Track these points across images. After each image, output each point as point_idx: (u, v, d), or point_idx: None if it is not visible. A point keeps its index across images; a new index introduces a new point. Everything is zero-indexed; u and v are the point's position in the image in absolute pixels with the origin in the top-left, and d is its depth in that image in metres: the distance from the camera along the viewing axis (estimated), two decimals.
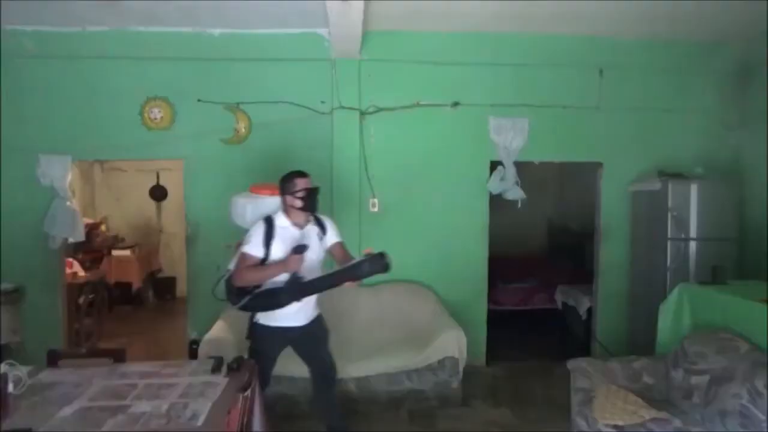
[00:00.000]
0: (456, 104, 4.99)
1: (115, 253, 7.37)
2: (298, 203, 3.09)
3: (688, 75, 5.23)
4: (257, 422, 2.62)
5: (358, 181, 4.94)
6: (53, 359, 2.84)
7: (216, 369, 2.66)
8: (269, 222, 3.07)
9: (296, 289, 3.00)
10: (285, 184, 3.13)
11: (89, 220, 6.99)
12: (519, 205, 5.10)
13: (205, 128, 4.81)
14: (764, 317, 2.96)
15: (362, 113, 4.92)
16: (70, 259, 5.66)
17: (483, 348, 5.16)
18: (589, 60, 5.10)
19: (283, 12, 4.43)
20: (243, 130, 4.84)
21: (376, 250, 2.90)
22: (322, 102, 4.90)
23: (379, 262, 2.86)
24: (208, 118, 4.80)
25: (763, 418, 2.55)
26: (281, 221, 3.11)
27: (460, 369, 4.19)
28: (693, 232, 4.62)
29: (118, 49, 4.75)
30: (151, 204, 8.25)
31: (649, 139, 5.22)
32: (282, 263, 2.99)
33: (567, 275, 6.45)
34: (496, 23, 4.75)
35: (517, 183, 5.02)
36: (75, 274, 5.57)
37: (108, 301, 6.77)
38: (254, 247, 3.01)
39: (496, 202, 5.16)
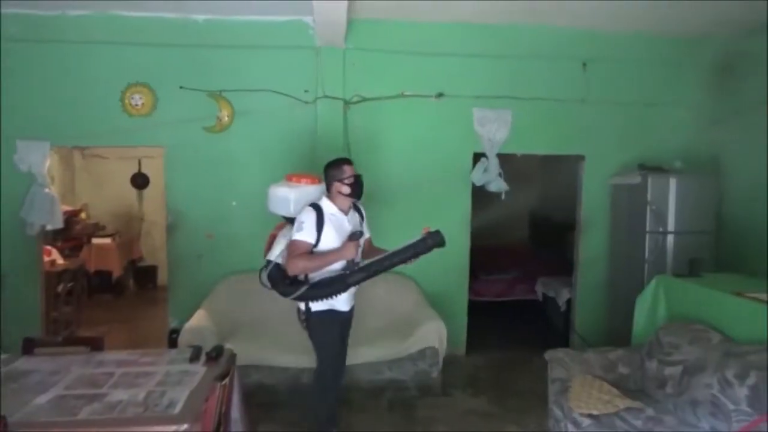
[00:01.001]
0: (440, 95, 4.99)
1: (95, 241, 7.30)
2: (347, 189, 3.15)
3: (671, 69, 5.28)
4: (236, 410, 2.63)
5: None
6: (29, 347, 2.82)
7: (194, 358, 2.66)
8: (318, 209, 3.09)
9: (356, 275, 3.06)
10: (333, 171, 3.17)
11: (69, 208, 6.90)
12: (502, 197, 5.13)
13: (187, 116, 4.76)
14: (736, 308, 3.02)
15: (346, 103, 4.90)
16: (49, 247, 5.59)
17: (463, 338, 5.21)
18: (573, 53, 5.12)
19: None
20: (226, 118, 4.80)
21: (432, 229, 3.01)
22: (306, 91, 4.87)
23: (438, 237, 2.99)
24: (190, 105, 4.75)
25: (732, 407, 2.61)
26: (329, 208, 3.14)
27: (440, 359, 4.23)
28: (671, 226, 4.69)
29: (99, 33, 4.67)
30: (133, 192, 8.17)
31: (631, 132, 5.27)
32: (339, 250, 3.04)
33: (548, 267, 6.52)
34: (481, 14, 4.75)
35: (500, 175, 5.05)
36: (54, 262, 5.50)
37: (87, 290, 6.71)
38: (308, 234, 3.03)
39: (480, 193, 5.19)
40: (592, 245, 5.33)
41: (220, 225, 4.87)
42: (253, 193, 4.87)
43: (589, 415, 2.94)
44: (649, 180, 4.71)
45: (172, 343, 4.42)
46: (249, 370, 3.91)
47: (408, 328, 4.32)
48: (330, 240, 3.07)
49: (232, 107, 4.79)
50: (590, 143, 5.24)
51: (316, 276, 3.08)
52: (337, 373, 3.41)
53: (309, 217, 3.05)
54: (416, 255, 3.05)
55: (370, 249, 3.38)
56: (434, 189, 5.07)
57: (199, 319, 4.10)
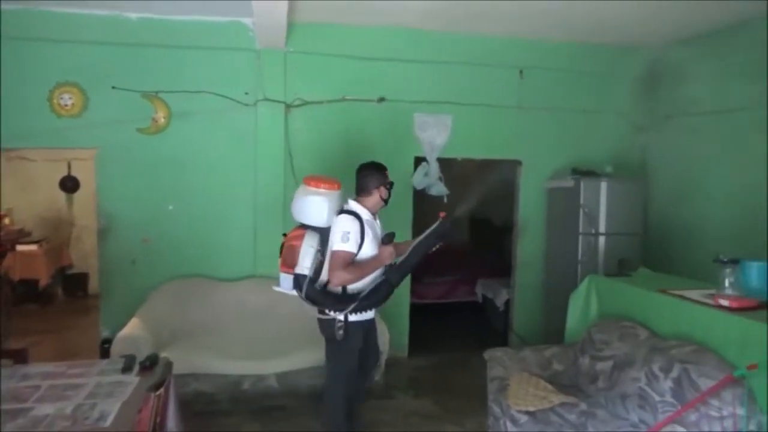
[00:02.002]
0: (382, 99, 5.03)
1: (20, 247, 6.90)
2: (386, 194, 3.20)
3: (603, 78, 5.53)
4: (172, 422, 2.55)
5: (283, 175, 4.88)
6: None
7: (127, 368, 2.57)
8: (357, 216, 3.04)
9: (396, 275, 3.09)
10: (378, 175, 3.17)
11: None
12: (444, 200, 5.21)
13: (121, 117, 4.58)
14: (661, 305, 3.19)
15: (287, 106, 4.86)
16: None
17: (405, 340, 5.26)
18: (510, 61, 5.28)
19: None
20: (162, 119, 4.66)
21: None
22: (246, 93, 4.80)
23: (449, 221, 3.19)
24: (123, 106, 4.58)
25: (658, 399, 2.75)
26: (364, 213, 3.11)
27: (383, 362, 4.25)
28: (602, 227, 4.89)
29: (25, 29, 4.42)
30: (62, 195, 7.76)
31: (565, 138, 5.48)
32: (378, 257, 3.05)
33: (489, 268, 6.66)
34: (422, 21, 4.82)
35: (440, 179, 5.13)
36: None
37: (12, 300, 6.33)
38: (353, 245, 2.96)
39: (422, 197, 5.26)
40: (529, 247, 5.49)
41: (156, 229, 4.71)
42: (192, 196, 4.76)
43: (527, 412, 3.02)
44: (582, 184, 4.90)
45: (104, 354, 4.25)
46: (187, 378, 3.80)
47: None
48: (370, 247, 3.05)
49: (169, 108, 4.65)
50: (527, 148, 5.41)
51: (356, 285, 3.03)
52: (358, 382, 3.35)
53: (354, 228, 2.98)
54: (440, 238, 3.16)
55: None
56: None
57: (133, 327, 3.95)
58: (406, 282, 5.24)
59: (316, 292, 3.02)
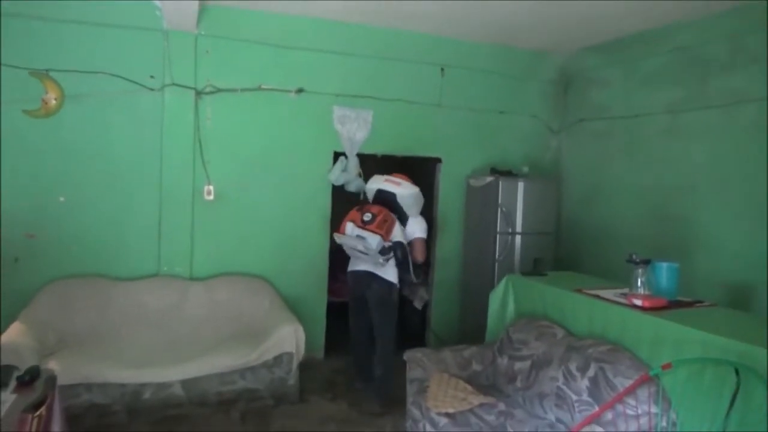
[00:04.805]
0: (300, 90, 4.82)
1: None
2: None
3: (519, 80, 5.62)
4: None
5: (192, 166, 4.55)
6: None
7: (2, 384, 2.21)
8: None
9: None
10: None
11: None
12: (361, 197, 5.08)
13: (4, 96, 4.07)
14: (576, 305, 3.24)
15: (198, 93, 4.53)
16: None
17: (322, 341, 5.08)
18: (432, 58, 5.23)
19: None
20: (53, 101, 4.18)
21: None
22: (151, 77, 4.42)
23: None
24: (7, 84, 4.06)
25: (575, 397, 2.77)
26: None
27: (296, 364, 4.06)
28: (518, 227, 4.97)
29: None
30: None
31: (484, 137, 5.52)
32: None
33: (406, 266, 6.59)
34: (343, 12, 4.65)
35: (360, 175, 5.00)
36: None
37: None
38: None
39: (341, 193, 5.10)
40: (447, 245, 5.49)
41: (43, 223, 4.22)
42: (87, 187, 4.33)
43: (446, 414, 2.96)
44: (500, 183, 4.95)
45: None
46: (78, 389, 3.43)
47: (263, 334, 4.07)
48: None
49: (61, 89, 4.18)
50: (446, 146, 5.40)
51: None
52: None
53: (426, 225, 4.29)
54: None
55: None
56: (293, 187, 4.89)
57: (14, 333, 3.50)
58: (322, 280, 5.08)
59: (407, 257, 4.06)
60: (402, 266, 4.08)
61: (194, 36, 4.49)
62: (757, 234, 3.86)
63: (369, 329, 4.27)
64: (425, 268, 5.22)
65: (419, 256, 4.19)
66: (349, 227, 4.04)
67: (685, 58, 4.42)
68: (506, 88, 5.57)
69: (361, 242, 3.91)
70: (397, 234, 4.05)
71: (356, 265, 4.21)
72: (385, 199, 4.18)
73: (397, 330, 4.29)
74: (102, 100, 4.30)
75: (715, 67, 4.18)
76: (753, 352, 2.24)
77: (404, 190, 4.15)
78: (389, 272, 4.08)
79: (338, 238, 4.09)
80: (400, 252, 4.01)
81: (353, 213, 4.12)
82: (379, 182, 4.26)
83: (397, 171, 4.36)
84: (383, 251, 3.92)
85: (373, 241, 3.88)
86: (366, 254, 3.97)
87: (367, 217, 3.98)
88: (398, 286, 4.15)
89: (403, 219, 4.20)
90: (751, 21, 3.94)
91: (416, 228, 4.20)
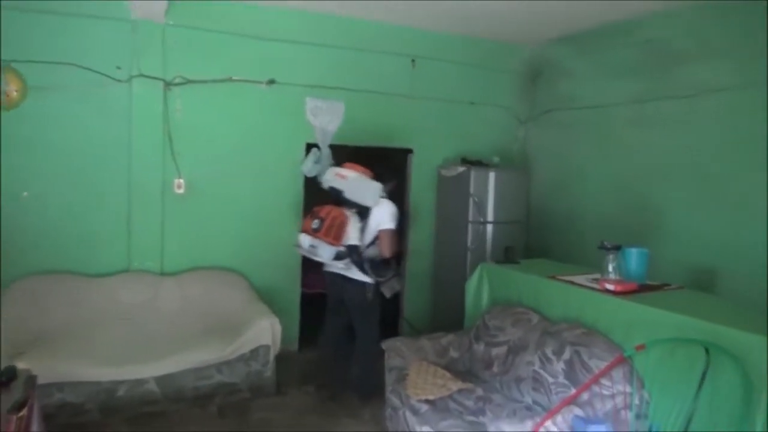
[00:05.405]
0: (272, 82, 4.77)
1: None
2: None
3: (489, 71, 5.69)
4: None
5: (162, 159, 4.47)
6: None
7: None
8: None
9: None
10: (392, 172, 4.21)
11: None
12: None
13: None
14: (551, 291, 3.32)
15: (167, 84, 4.44)
16: None
17: (296, 333, 5.08)
18: (403, 49, 5.24)
19: None
20: (14, 93, 4.00)
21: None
22: (119, 68, 4.31)
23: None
24: None
25: (552, 380, 2.85)
26: None
27: (273, 357, 4.05)
28: (490, 216, 5.05)
29: None
30: None
31: (455, 128, 5.57)
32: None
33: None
34: (315, 3, 4.62)
35: (332, 167, 4.97)
36: None
37: None
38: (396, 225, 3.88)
39: (314, 185, 5.06)
40: (419, 235, 5.53)
41: (7, 220, 4.08)
42: (53, 182, 4.21)
43: (426, 401, 3.00)
44: (472, 173, 5.02)
45: None
46: (50, 389, 3.35)
47: (238, 327, 4.04)
48: None
49: (23, 81, 4.03)
50: (417, 137, 5.43)
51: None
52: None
53: (396, 210, 3.88)
54: None
55: None
56: (265, 180, 4.85)
57: None
58: (296, 272, 5.06)
59: (364, 260, 3.78)
60: (363, 269, 3.81)
61: (162, 26, 4.39)
62: (720, 219, 4.02)
63: (345, 329, 4.14)
64: (398, 259, 5.05)
65: (386, 250, 3.83)
66: (303, 240, 3.80)
67: (650, 50, 4.54)
68: (476, 79, 5.63)
69: (316, 253, 3.72)
70: (352, 235, 3.77)
71: (330, 266, 3.96)
72: (338, 196, 3.92)
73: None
74: (67, 92, 4.18)
75: (679, 60, 4.32)
76: (721, 332, 2.35)
77: (351, 183, 3.87)
78: (359, 273, 3.87)
79: (299, 251, 3.91)
80: (356, 256, 3.77)
81: (306, 222, 3.86)
82: (330, 178, 4.02)
83: (368, 162, 4.25)
84: (339, 257, 3.72)
85: (324, 252, 3.68)
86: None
87: (315, 224, 3.72)
88: (373, 284, 3.89)
89: (365, 211, 3.87)
90: (713, 16, 4.10)
91: (382, 218, 3.84)
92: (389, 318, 5.86)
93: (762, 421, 2.15)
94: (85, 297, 4.10)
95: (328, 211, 3.76)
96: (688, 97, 4.23)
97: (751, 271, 3.73)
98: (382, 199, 3.86)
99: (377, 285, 3.88)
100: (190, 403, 3.79)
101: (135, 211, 4.41)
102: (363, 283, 3.87)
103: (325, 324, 4.24)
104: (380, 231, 3.83)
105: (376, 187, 3.84)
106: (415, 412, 2.98)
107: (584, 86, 5.21)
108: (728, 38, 4.01)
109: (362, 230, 3.85)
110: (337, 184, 3.92)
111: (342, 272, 3.89)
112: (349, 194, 3.84)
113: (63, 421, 3.40)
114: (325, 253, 3.67)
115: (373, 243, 3.89)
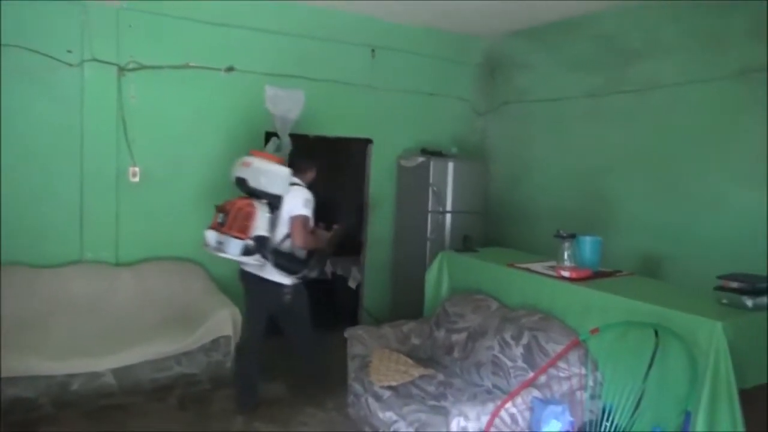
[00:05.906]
0: (231, 69, 4.69)
1: None
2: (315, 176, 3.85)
3: (447, 63, 5.75)
4: None
5: (116, 146, 4.34)
6: None
7: None
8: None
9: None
10: (312, 159, 3.84)
11: None
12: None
13: None
14: (509, 278, 3.42)
15: (121, 69, 4.31)
16: None
17: None
18: (363, 39, 5.24)
19: None
20: None
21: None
22: (69, 51, 4.15)
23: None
24: None
25: (511, 364, 2.95)
26: None
27: (233, 347, 4.02)
28: (449, 206, 5.14)
29: None
30: None
31: (413, 119, 5.62)
32: (322, 236, 3.79)
33: (341, 246, 6.61)
34: None
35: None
36: None
37: None
38: (311, 212, 3.55)
39: None
40: (379, 225, 5.57)
41: None
42: (0, 169, 4.03)
43: (389, 387, 3.06)
44: (431, 163, 5.08)
45: None
46: (1, 384, 3.23)
47: (198, 318, 4.00)
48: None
49: None
50: (377, 127, 5.44)
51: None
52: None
53: (312, 197, 3.57)
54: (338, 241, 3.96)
55: None
56: (223, 169, 4.71)
57: None
58: None
59: (277, 253, 3.42)
60: (278, 265, 3.42)
61: (116, 9, 4.25)
62: (669, 209, 4.21)
63: (266, 334, 3.76)
64: (356, 250, 4.82)
65: (298, 239, 3.43)
66: (209, 236, 3.48)
67: (605, 46, 4.70)
68: (436, 71, 5.68)
69: (223, 249, 3.37)
70: (259, 225, 3.36)
71: (245, 265, 3.57)
72: (243, 186, 3.53)
73: (316, 317, 3.95)
74: (12, 76, 4.00)
75: (632, 55, 4.48)
76: (669, 315, 2.48)
77: (255, 170, 3.46)
78: (274, 272, 3.48)
79: (207, 250, 3.53)
80: (265, 248, 3.37)
81: (214, 218, 3.54)
82: (236, 168, 3.59)
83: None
84: (248, 252, 3.34)
85: (231, 247, 3.33)
86: None
87: (220, 218, 3.45)
88: (292, 286, 3.56)
89: (276, 201, 3.49)
90: (664, 15, 4.27)
91: (293, 204, 3.49)
92: (349, 308, 5.91)
93: (706, 397, 2.29)
94: (36, 289, 3.96)
95: (233, 203, 3.45)
96: (639, 92, 4.40)
97: (696, 257, 3.94)
98: (293, 186, 3.51)
99: (304, 285, 3.61)
100: (149, 395, 3.74)
101: (88, 200, 4.28)
102: (280, 285, 3.51)
103: (242, 337, 3.86)
104: (291, 218, 3.47)
105: (284, 173, 3.48)
106: (378, 398, 3.04)
107: (541, 79, 5.33)
108: (675, 36, 4.19)
109: (273, 222, 3.47)
110: (241, 173, 3.49)
111: (256, 272, 3.52)
112: (254, 182, 3.42)
113: (15, 418, 3.30)
114: (231, 249, 3.31)
115: (288, 236, 3.53)
